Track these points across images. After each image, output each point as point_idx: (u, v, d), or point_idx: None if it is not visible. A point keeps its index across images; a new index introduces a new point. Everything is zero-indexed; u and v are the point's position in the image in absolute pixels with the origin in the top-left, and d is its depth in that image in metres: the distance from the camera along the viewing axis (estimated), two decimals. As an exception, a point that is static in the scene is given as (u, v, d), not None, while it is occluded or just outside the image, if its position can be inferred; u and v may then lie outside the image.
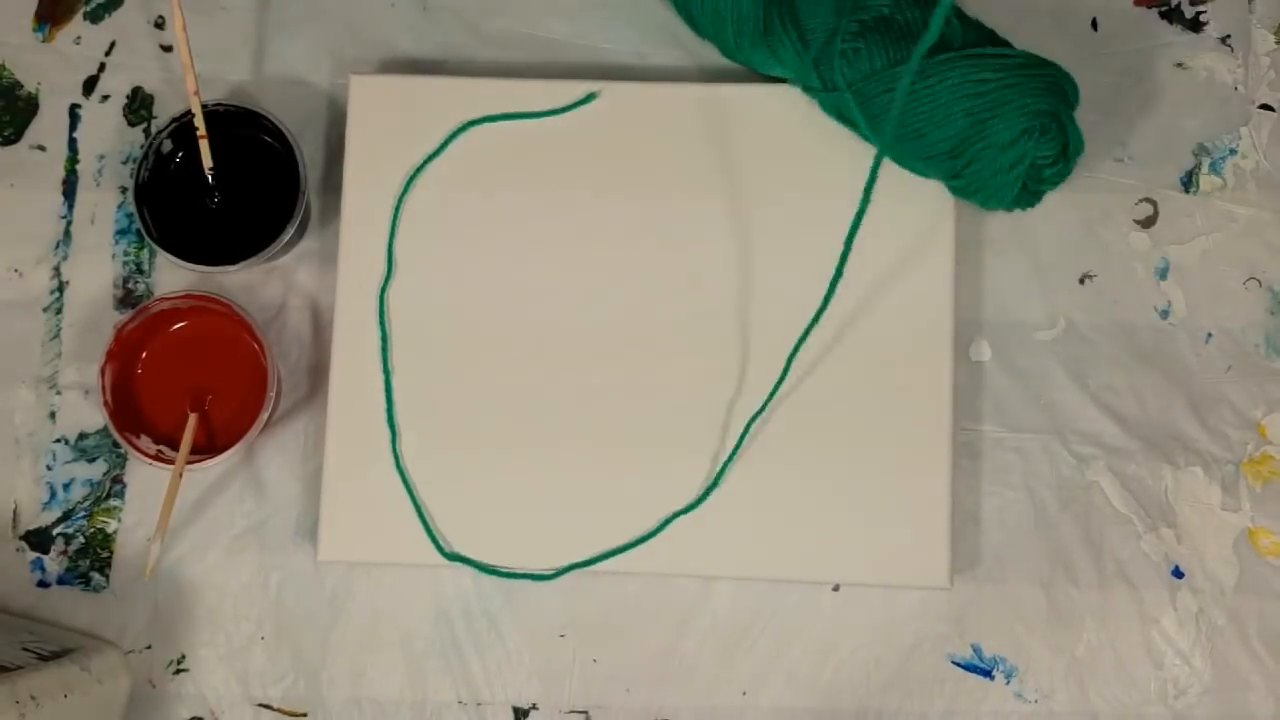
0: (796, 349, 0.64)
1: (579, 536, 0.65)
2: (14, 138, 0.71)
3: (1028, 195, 0.64)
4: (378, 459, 0.66)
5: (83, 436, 0.69)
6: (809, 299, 0.65)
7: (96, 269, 0.70)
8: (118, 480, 0.69)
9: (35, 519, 0.69)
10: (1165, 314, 0.68)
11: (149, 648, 0.68)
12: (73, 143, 0.71)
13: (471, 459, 0.66)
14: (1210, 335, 0.68)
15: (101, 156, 0.71)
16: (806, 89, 0.65)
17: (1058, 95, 0.61)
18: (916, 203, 0.66)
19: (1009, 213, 0.68)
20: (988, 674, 0.66)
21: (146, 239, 0.68)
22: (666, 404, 0.66)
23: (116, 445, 0.69)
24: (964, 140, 0.61)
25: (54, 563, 0.68)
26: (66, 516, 0.69)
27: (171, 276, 0.70)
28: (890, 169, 0.66)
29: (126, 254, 0.70)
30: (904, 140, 0.63)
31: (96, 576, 0.68)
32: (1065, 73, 0.62)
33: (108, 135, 0.71)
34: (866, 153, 0.66)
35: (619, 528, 0.65)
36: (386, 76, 0.70)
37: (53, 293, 0.70)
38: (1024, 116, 0.60)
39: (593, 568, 0.65)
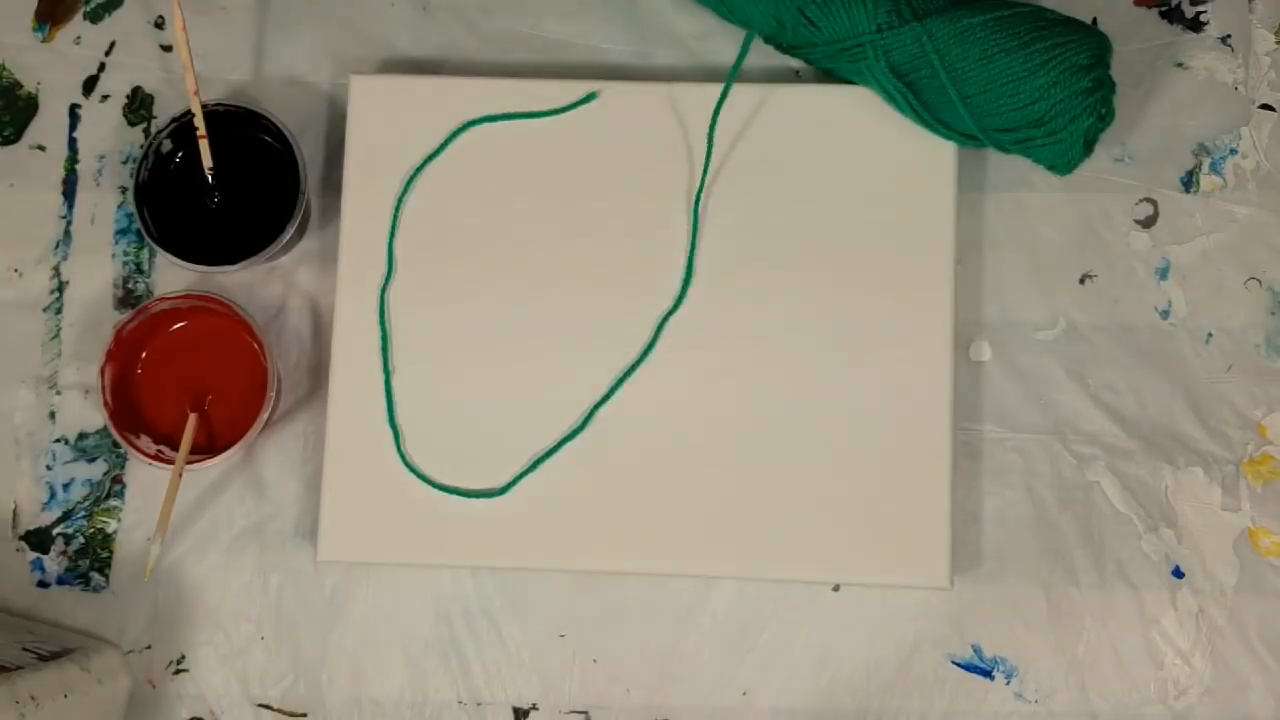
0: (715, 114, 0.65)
1: (581, 533, 0.65)
2: (14, 138, 0.71)
3: (1088, 148, 0.65)
4: (378, 459, 0.66)
5: (83, 436, 0.69)
6: (809, 293, 0.65)
7: (96, 269, 0.70)
8: (117, 480, 0.69)
9: (35, 519, 0.69)
10: (1165, 314, 0.68)
11: (149, 648, 0.68)
12: (73, 143, 0.71)
13: (472, 458, 0.66)
14: (1210, 335, 0.68)
15: (101, 156, 0.71)
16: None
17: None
18: (917, 202, 0.66)
19: (1012, 210, 0.68)
20: (988, 674, 0.66)
21: (146, 239, 0.68)
22: (671, 401, 0.66)
23: (116, 445, 0.69)
24: (1051, 86, 0.62)
25: (54, 563, 0.68)
26: (66, 516, 0.68)
27: (171, 276, 0.70)
28: (888, 168, 0.66)
29: (126, 254, 0.70)
30: (995, 87, 0.63)
31: (96, 576, 0.68)
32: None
33: (107, 135, 0.71)
34: (869, 152, 0.67)
35: (621, 524, 0.65)
36: (386, 76, 0.69)
37: (53, 293, 0.70)
38: (1094, 65, 0.62)
39: (593, 569, 0.65)
